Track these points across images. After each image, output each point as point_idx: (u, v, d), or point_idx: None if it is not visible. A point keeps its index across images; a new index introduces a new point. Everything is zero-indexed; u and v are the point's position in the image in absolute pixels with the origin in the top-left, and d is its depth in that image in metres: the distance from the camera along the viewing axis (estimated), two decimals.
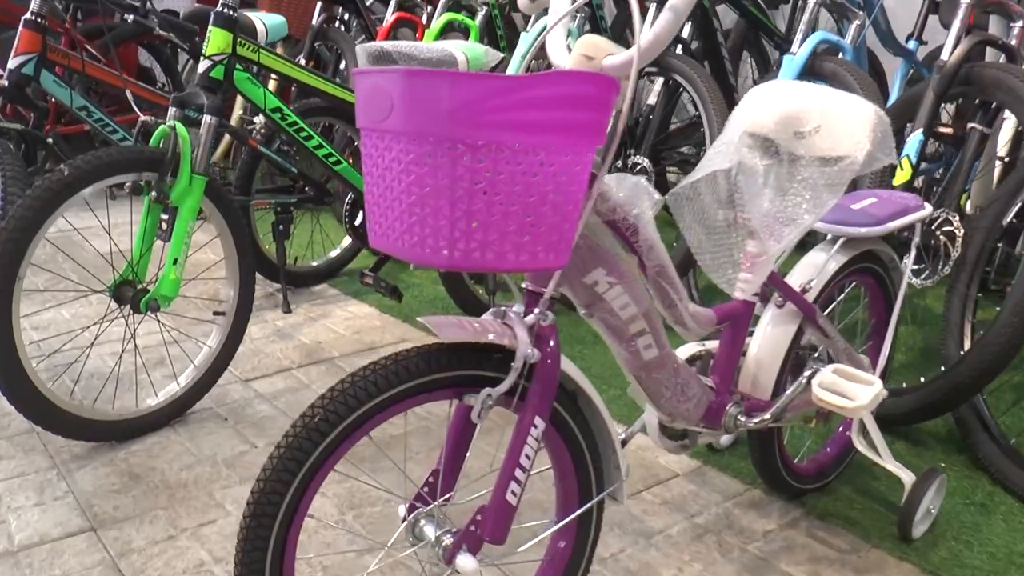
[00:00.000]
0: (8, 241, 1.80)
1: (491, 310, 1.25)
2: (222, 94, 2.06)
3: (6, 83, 2.40)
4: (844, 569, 1.71)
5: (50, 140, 2.46)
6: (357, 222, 2.53)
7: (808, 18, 2.85)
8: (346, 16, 4.57)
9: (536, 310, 1.20)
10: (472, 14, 3.78)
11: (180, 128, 1.95)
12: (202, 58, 2.04)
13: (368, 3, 4.63)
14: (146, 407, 2.13)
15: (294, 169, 2.82)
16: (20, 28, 2.44)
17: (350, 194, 2.50)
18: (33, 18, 2.47)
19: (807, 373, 1.66)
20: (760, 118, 1.52)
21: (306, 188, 2.94)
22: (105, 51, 4.39)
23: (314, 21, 4.37)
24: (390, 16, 4.13)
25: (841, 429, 2.03)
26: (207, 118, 2.00)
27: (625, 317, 1.35)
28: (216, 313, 2.24)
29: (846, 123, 1.50)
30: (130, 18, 2.55)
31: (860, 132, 1.50)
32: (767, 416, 1.61)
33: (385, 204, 1.09)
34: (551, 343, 1.20)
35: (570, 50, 1.24)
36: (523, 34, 3.31)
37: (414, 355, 1.16)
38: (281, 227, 2.85)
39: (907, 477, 1.81)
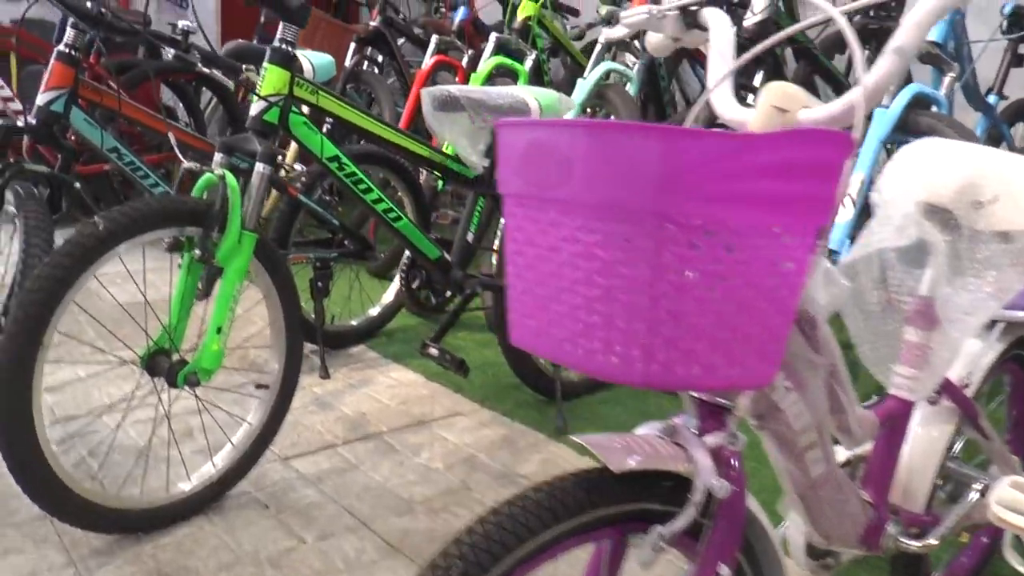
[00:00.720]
0: (32, 304, 1.55)
1: (650, 424, 0.99)
2: (275, 140, 1.82)
3: (33, 121, 2.16)
4: None
5: (78, 185, 2.21)
6: (415, 284, 2.27)
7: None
8: (379, 58, 4.37)
9: (723, 430, 0.95)
10: (520, 58, 3.57)
11: (230, 178, 1.70)
12: (255, 99, 1.80)
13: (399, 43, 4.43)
14: (178, 492, 1.87)
15: (336, 221, 2.57)
16: (52, 61, 2.21)
17: (406, 253, 2.25)
18: (67, 51, 2.24)
19: (977, 486, 1.40)
20: (936, 185, 1.28)
21: (346, 242, 2.70)
22: (128, 88, 4.19)
23: (346, 62, 4.17)
24: (429, 59, 3.92)
25: (979, 536, 1.77)
26: (260, 167, 1.76)
27: (798, 428, 1.09)
28: (259, 386, 1.98)
29: None
30: (170, 53, 2.33)
31: None
32: (934, 540, 1.35)
33: (545, 295, 0.84)
34: (737, 470, 0.95)
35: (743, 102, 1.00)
36: (580, 81, 3.10)
37: (570, 484, 0.90)
38: (320, 283, 2.60)
39: None
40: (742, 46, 2.81)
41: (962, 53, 2.84)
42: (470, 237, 2.24)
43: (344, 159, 1.92)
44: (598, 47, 3.04)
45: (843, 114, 0.89)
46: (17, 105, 3.11)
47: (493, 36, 3.44)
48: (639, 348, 0.78)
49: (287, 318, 1.93)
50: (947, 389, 1.43)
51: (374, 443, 2.29)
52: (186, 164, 1.80)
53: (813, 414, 1.10)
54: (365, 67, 4.17)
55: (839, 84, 3.37)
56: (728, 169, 0.74)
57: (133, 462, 2.06)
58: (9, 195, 2.03)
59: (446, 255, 2.19)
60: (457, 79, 4.04)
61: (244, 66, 2.38)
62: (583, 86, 3.04)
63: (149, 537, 1.81)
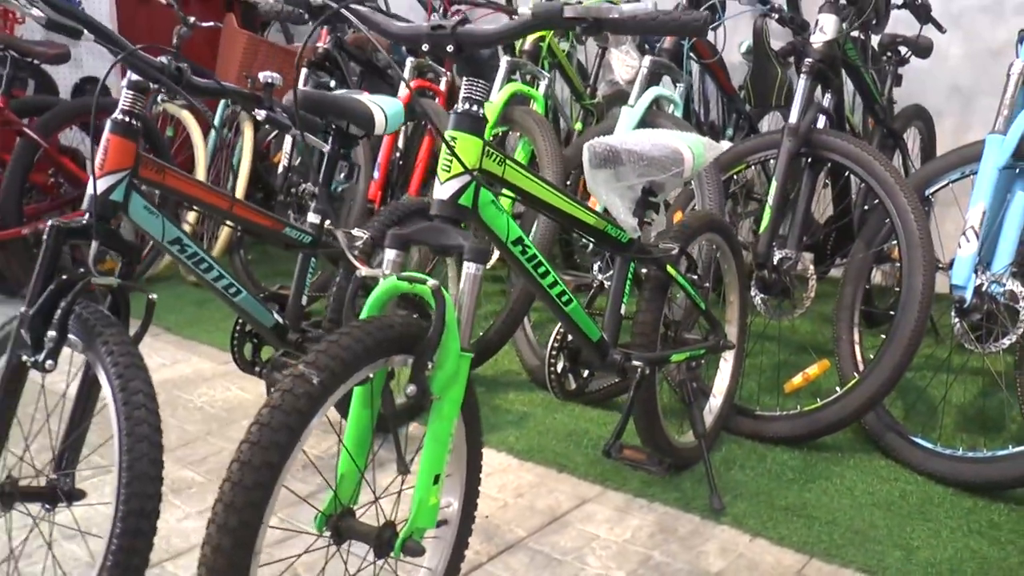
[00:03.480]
0: (242, 492, 1.17)
1: None
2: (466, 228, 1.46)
3: (88, 218, 1.65)
4: None
5: (154, 296, 1.72)
6: (559, 367, 1.94)
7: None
8: (332, 84, 3.96)
9: None
10: (533, 82, 3.27)
11: (444, 291, 1.35)
12: (442, 178, 1.44)
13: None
14: None
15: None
16: (106, 134, 1.71)
17: (555, 335, 1.92)
18: (126, 120, 1.77)
19: None
20: None
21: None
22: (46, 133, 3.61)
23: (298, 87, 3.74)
24: (408, 85, 3.56)
25: None
26: (473, 267, 1.40)
27: None
28: (438, 524, 1.62)
29: None
30: (261, 114, 1.91)
31: None
32: None
33: None
34: None
35: None
36: (625, 108, 2.84)
37: None
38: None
39: None
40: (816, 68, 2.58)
41: None
42: (623, 309, 1.95)
43: (527, 241, 1.58)
44: (642, 73, 2.79)
45: None
46: None
47: (505, 60, 3.11)
48: None
49: (470, 447, 1.59)
50: None
51: (524, 554, 1.97)
52: (364, 271, 1.41)
53: None
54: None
55: (872, 99, 3.26)
56: None
57: None
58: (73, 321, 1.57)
59: (605, 335, 1.88)
60: (438, 102, 3.70)
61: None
62: (632, 115, 2.78)
63: None
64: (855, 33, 3.33)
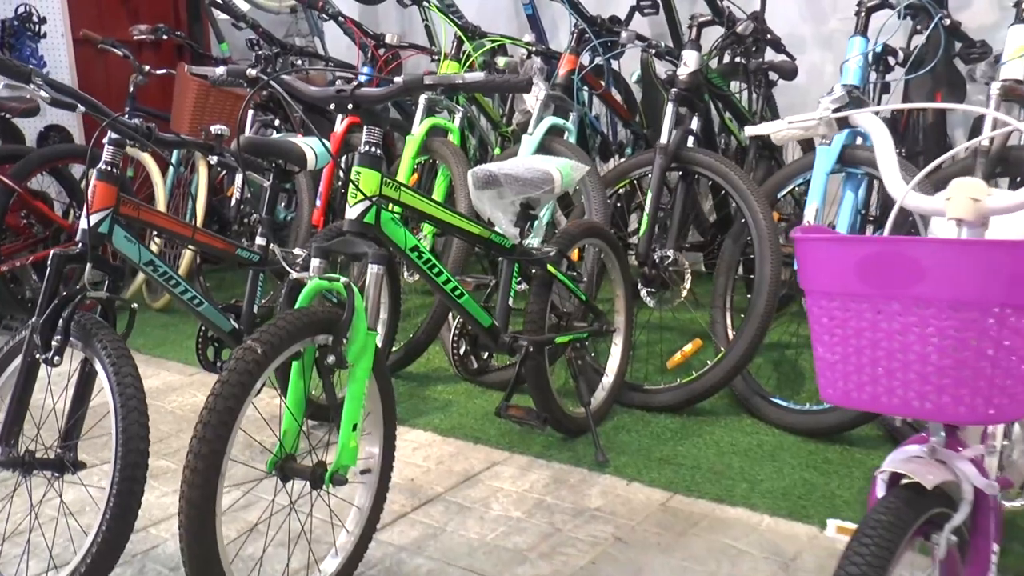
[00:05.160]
0: (213, 439, 1.63)
1: (907, 447, 1.25)
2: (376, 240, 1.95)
3: (82, 247, 2.12)
4: None
5: (135, 305, 2.19)
6: (462, 351, 2.43)
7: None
8: (276, 122, 4.41)
9: (981, 445, 1.23)
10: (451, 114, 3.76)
11: (353, 286, 1.82)
12: (351, 201, 1.92)
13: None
14: None
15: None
16: (94, 181, 2.17)
17: (455, 325, 2.40)
18: (109, 169, 2.21)
19: None
20: None
21: None
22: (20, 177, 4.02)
23: (247, 130, 4.19)
24: (341, 124, 4.03)
25: None
26: (375, 268, 1.88)
27: None
28: (363, 472, 2.09)
29: None
30: (213, 159, 2.35)
31: None
32: None
33: (888, 363, 1.08)
34: (987, 474, 1.23)
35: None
36: (525, 136, 3.33)
37: (898, 502, 1.15)
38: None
39: None
40: (681, 95, 3.17)
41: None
42: (510, 302, 2.43)
43: (423, 247, 2.07)
44: (537, 104, 3.30)
45: None
46: None
47: (423, 97, 3.58)
48: (983, 395, 1.04)
49: (385, 406, 2.06)
50: None
51: (442, 505, 2.44)
52: (295, 275, 1.89)
53: None
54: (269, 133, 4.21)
55: (737, 110, 3.80)
56: None
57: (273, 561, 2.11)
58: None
59: (496, 323, 2.37)
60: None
61: None
62: (530, 141, 3.28)
63: None
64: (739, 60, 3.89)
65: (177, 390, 3.42)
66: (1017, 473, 1.73)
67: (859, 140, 2.91)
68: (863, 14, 3.17)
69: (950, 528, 1.18)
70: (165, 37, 4.87)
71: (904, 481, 1.19)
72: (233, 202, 3.72)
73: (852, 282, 1.08)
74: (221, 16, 5.46)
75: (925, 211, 1.27)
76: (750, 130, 1.52)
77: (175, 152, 4.52)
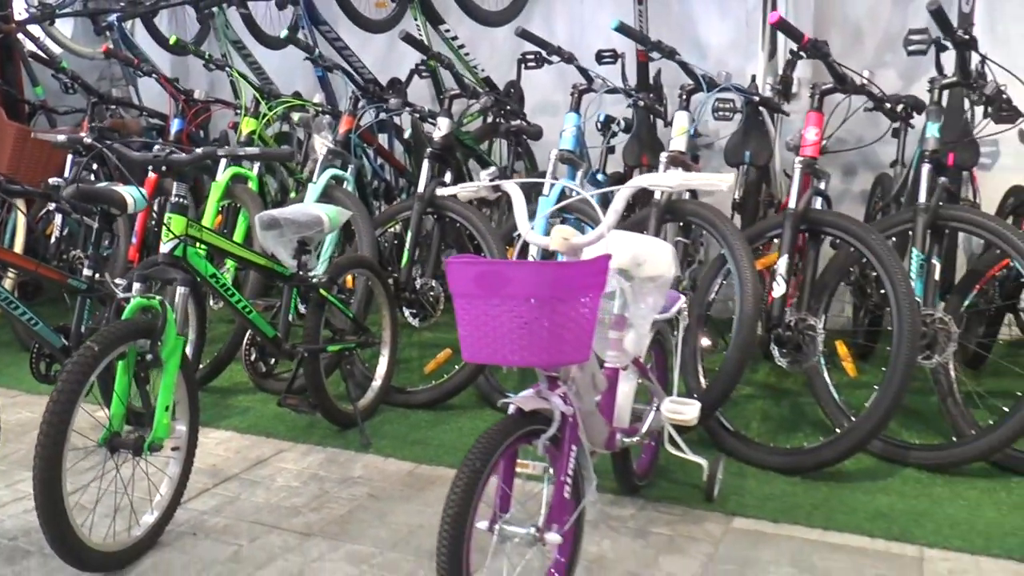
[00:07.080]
0: (59, 413, 2.22)
1: (527, 391, 2.04)
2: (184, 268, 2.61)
3: None
4: (685, 523, 2.68)
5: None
6: (252, 357, 3.10)
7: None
8: (94, 166, 4.83)
9: (562, 385, 2.03)
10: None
11: (166, 303, 2.46)
12: (165, 239, 2.57)
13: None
14: (136, 536, 2.55)
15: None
16: None
17: (247, 337, 3.08)
18: None
19: (654, 404, 2.63)
20: (618, 258, 2.46)
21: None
22: None
23: (66, 173, 4.63)
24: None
25: (648, 442, 3.02)
26: (183, 289, 2.53)
27: (582, 387, 2.21)
28: (174, 448, 2.70)
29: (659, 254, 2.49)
30: (52, 205, 2.88)
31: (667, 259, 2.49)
32: (636, 438, 2.55)
33: (489, 335, 1.87)
34: (571, 404, 2.03)
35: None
36: (311, 184, 4.04)
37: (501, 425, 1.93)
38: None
39: (703, 462, 2.83)
40: (435, 154, 4.07)
41: (585, 154, 4.21)
42: (291, 318, 3.12)
43: (219, 275, 2.73)
44: (320, 158, 4.01)
45: (595, 238, 2.01)
46: None
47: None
48: (544, 349, 1.84)
49: (189, 392, 2.68)
50: (634, 361, 2.64)
51: (237, 481, 3.07)
52: (122, 295, 2.50)
53: (586, 378, 2.23)
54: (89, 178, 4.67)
55: (485, 163, 4.65)
56: (572, 277, 1.82)
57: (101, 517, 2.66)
58: None
59: (279, 334, 3.05)
60: None
61: None
62: (314, 189, 3.99)
63: (132, 567, 2.48)
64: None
65: (1, 408, 3.86)
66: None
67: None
68: (576, 95, 4.10)
69: (546, 436, 1.98)
70: None
71: (518, 407, 1.98)
72: (53, 239, 4.20)
73: (473, 287, 1.85)
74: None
75: (540, 244, 2.08)
76: (441, 191, 2.31)
77: None
